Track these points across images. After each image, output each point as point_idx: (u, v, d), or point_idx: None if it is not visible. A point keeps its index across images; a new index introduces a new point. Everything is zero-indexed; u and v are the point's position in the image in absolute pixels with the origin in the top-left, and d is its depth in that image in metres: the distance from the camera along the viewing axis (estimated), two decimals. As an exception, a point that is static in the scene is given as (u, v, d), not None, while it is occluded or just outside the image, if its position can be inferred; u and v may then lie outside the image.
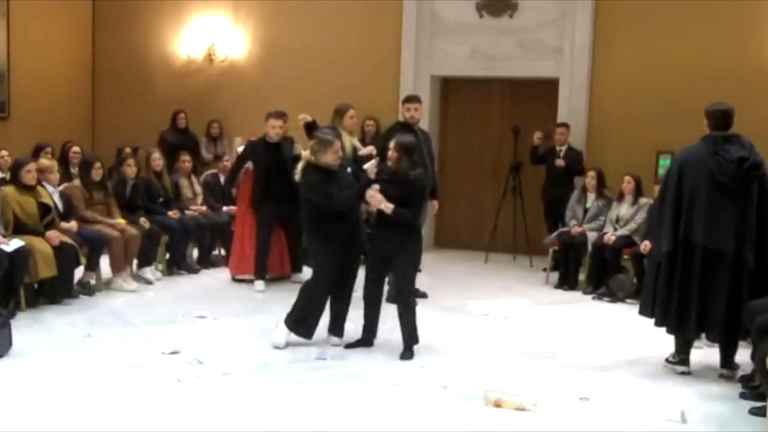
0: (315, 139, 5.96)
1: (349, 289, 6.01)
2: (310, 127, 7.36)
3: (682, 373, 5.51)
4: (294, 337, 5.86)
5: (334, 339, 5.99)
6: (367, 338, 5.93)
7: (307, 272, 8.12)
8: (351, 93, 8.93)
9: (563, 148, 9.05)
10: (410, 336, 5.74)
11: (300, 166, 5.99)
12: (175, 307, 6.89)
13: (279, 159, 7.68)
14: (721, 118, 5.37)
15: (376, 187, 5.63)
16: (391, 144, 5.77)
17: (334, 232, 5.83)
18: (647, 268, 5.95)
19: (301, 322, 5.86)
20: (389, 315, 6.13)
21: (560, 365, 5.66)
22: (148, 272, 7.87)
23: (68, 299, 6.90)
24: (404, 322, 5.74)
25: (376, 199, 5.63)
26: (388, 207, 5.60)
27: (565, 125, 9.14)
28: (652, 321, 5.58)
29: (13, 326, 5.59)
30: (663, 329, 5.57)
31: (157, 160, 8.46)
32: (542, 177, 9.31)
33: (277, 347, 5.79)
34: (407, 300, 5.77)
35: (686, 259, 5.30)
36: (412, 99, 7.52)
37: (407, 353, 5.69)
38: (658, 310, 5.45)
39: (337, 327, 6.03)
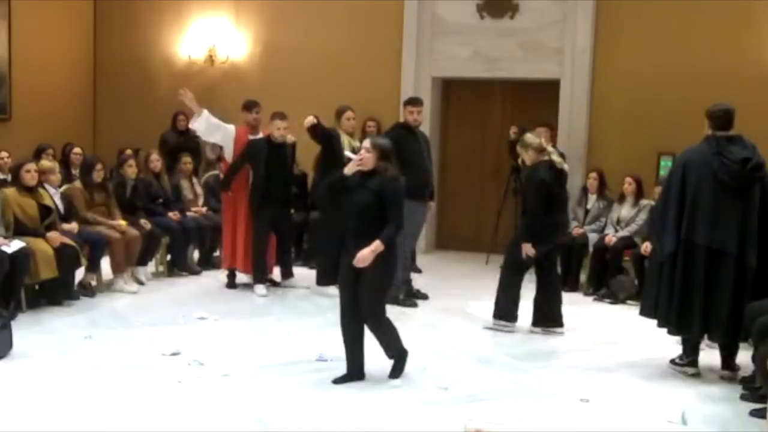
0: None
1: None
2: (315, 129, 7.30)
3: (693, 375, 5.49)
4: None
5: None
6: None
7: (299, 277, 8.16)
8: (352, 94, 8.93)
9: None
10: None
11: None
12: (176, 309, 6.89)
13: (281, 160, 7.66)
14: (723, 118, 5.37)
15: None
16: (367, 143, 5.10)
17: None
18: (648, 268, 5.94)
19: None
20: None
21: (561, 366, 5.66)
22: (141, 273, 7.86)
23: (69, 300, 6.90)
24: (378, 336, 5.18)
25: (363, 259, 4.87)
26: (377, 250, 4.88)
27: (547, 125, 8.54)
28: (652, 322, 5.57)
29: (14, 327, 5.60)
30: (664, 330, 5.58)
31: (156, 161, 8.48)
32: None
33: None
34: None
35: (689, 259, 5.29)
36: (415, 102, 7.38)
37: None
38: (661, 311, 5.42)
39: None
